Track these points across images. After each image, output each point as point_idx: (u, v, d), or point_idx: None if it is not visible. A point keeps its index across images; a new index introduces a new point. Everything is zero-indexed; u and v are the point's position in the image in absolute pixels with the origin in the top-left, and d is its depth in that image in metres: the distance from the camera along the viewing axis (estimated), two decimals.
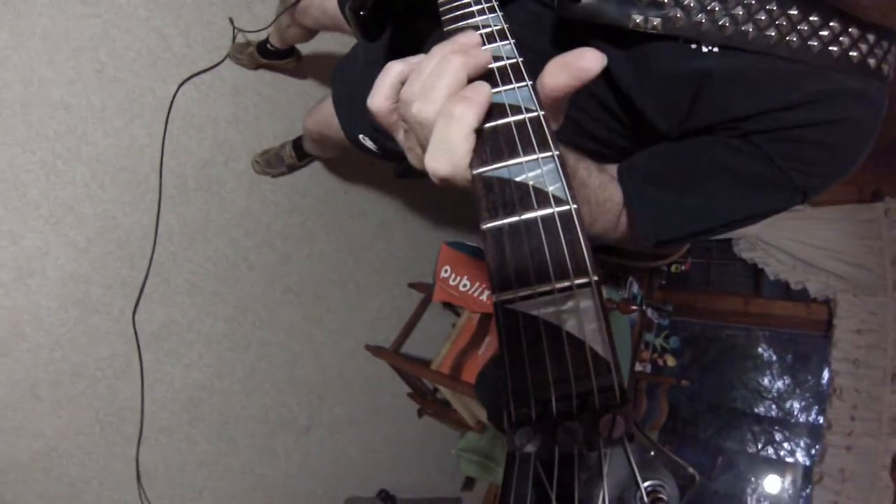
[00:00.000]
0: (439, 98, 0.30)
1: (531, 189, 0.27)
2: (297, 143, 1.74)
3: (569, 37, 0.65)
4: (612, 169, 0.68)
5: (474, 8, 0.42)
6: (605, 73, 0.63)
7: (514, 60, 0.35)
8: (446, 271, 1.85)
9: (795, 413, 2.79)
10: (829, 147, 0.58)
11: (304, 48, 1.71)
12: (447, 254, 1.86)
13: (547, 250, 0.25)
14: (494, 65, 0.35)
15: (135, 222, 1.54)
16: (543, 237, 0.26)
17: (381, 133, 0.95)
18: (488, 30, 0.38)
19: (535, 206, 0.26)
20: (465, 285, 1.81)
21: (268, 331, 1.87)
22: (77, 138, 1.42)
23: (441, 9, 0.44)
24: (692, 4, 0.55)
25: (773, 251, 2.25)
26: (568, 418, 0.22)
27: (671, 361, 2.34)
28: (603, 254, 2.11)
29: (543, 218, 0.26)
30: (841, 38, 0.54)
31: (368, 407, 2.20)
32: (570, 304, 0.24)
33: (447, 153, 0.30)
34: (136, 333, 1.56)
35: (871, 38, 0.54)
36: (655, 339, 2.39)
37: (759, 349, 2.91)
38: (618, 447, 0.21)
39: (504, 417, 0.23)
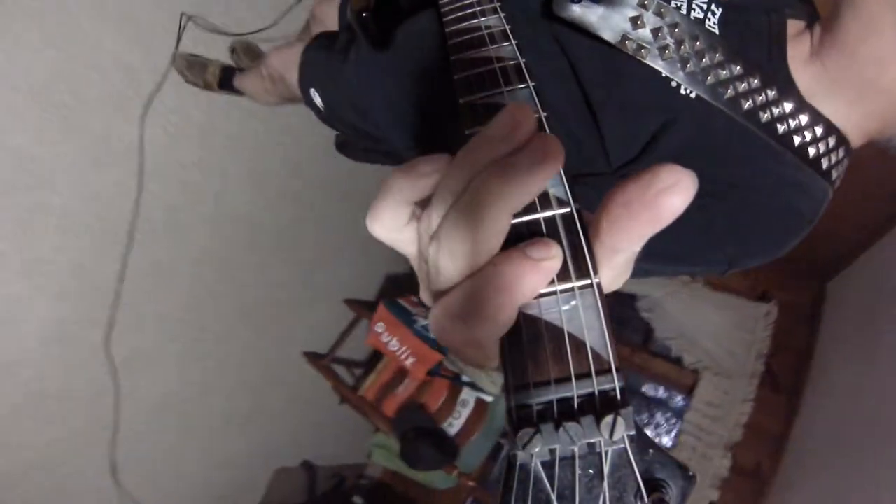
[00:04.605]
0: (463, 258, 0.24)
1: None
2: (228, 72, 1.71)
3: (566, 37, 0.63)
4: None
5: (476, 9, 0.42)
6: (579, 83, 0.61)
7: (516, 62, 0.35)
8: (380, 327, 2.11)
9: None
10: (769, 229, 0.59)
11: None
12: (383, 313, 2.11)
13: None
14: (496, 66, 0.35)
15: (105, 267, 1.71)
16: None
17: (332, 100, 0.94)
18: (490, 31, 0.38)
19: (537, 209, 0.26)
20: (394, 346, 2.08)
21: (224, 344, 2.16)
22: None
23: (443, 10, 0.45)
24: (685, 53, 0.56)
25: (668, 317, 2.57)
26: (569, 419, 0.22)
27: None
28: None
29: (545, 220, 0.26)
30: (805, 132, 0.56)
31: (299, 397, 2.60)
32: (571, 304, 0.24)
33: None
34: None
35: (831, 142, 0.57)
36: None
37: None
38: (619, 448, 0.21)
39: (506, 417, 0.23)
